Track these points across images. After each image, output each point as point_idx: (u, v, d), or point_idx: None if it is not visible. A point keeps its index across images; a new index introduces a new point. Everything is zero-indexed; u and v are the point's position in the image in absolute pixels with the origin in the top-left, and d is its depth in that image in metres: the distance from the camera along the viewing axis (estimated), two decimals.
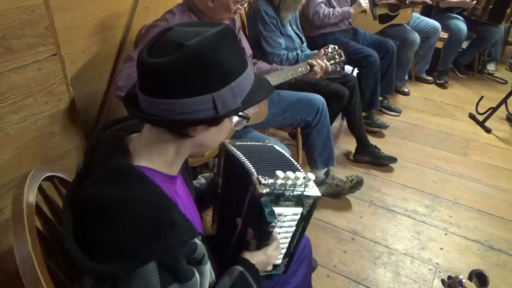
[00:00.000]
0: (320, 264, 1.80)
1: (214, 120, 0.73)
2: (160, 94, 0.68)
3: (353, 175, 2.20)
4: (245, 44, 1.96)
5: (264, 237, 0.93)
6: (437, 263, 1.84)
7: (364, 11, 2.67)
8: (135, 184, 0.70)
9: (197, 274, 0.74)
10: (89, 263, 0.64)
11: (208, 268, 0.80)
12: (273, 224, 0.87)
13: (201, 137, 0.76)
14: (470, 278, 0.93)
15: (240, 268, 0.90)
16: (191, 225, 0.74)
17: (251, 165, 0.93)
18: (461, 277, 0.89)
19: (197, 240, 0.74)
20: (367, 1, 2.68)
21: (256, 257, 0.93)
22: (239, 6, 1.60)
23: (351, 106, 2.40)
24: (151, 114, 0.70)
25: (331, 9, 2.64)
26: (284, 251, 1.02)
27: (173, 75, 0.67)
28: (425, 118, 3.14)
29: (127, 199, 0.67)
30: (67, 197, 0.77)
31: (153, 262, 0.66)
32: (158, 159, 0.76)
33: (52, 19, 1.31)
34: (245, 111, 0.78)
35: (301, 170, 0.96)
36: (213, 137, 0.80)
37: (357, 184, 2.16)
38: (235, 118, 0.93)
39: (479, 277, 0.94)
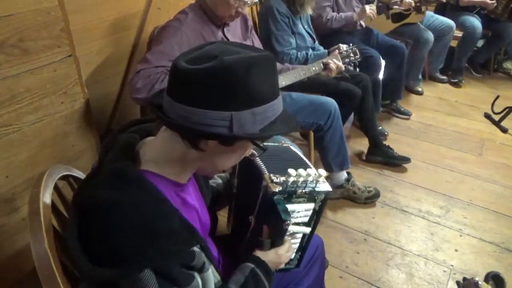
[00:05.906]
0: (332, 265, 1.79)
1: (227, 139, 0.70)
2: (182, 99, 0.68)
3: (371, 186, 2.19)
4: (257, 43, 1.95)
5: (278, 235, 0.93)
6: (452, 265, 1.81)
7: (369, 17, 2.64)
8: (135, 189, 0.69)
9: (198, 279, 0.74)
10: (87, 266, 0.64)
11: (210, 273, 0.80)
12: (288, 222, 0.86)
13: (211, 154, 0.74)
14: (486, 280, 0.92)
15: (252, 265, 0.91)
16: (191, 233, 0.74)
17: (262, 163, 0.94)
18: (477, 279, 0.88)
19: (196, 248, 0.74)
20: (374, 8, 2.64)
21: (267, 256, 0.94)
22: (241, 5, 1.58)
23: (364, 106, 2.38)
24: (169, 117, 0.70)
25: (334, 14, 2.63)
26: (297, 245, 1.03)
27: (199, 84, 0.66)
28: (439, 117, 3.10)
29: (124, 204, 0.67)
30: (74, 196, 0.78)
31: (148, 270, 0.66)
32: (166, 165, 0.76)
33: (67, 21, 1.33)
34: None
35: (312, 167, 0.96)
36: (223, 158, 0.78)
37: (374, 196, 2.17)
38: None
39: (495, 279, 0.92)
